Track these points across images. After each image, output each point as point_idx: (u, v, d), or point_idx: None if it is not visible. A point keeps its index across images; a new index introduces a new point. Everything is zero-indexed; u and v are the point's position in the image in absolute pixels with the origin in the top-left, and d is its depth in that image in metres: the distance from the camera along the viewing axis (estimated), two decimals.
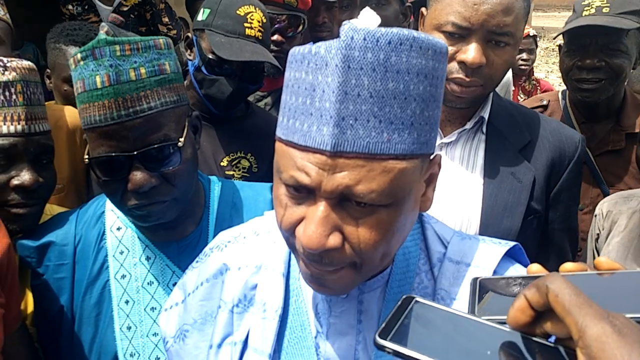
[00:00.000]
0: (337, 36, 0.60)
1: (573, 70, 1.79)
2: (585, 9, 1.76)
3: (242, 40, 1.54)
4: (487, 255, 0.81)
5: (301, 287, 0.82)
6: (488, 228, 1.27)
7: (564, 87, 1.99)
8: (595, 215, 1.60)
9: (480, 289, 0.61)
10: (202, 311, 0.88)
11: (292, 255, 0.83)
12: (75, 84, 1.00)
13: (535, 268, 0.62)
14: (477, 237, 0.87)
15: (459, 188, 1.31)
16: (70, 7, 3.22)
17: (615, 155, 1.86)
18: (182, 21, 5.29)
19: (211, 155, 1.69)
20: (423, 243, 0.84)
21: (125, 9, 3.30)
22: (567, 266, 0.60)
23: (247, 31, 1.56)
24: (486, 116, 1.33)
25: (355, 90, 0.59)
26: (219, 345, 0.83)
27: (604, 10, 1.71)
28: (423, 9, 1.32)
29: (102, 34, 0.96)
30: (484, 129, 1.33)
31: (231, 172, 1.71)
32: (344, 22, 0.60)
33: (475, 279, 0.63)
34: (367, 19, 0.63)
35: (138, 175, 1.00)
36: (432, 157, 0.71)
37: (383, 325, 0.52)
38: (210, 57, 1.55)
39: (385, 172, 0.61)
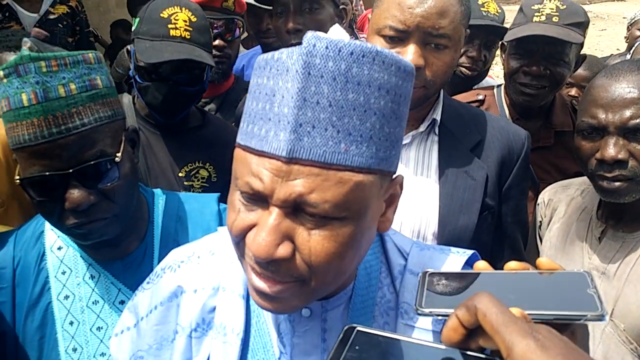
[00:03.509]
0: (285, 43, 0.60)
1: (518, 74, 1.84)
2: (536, 14, 1.79)
3: (165, 42, 1.52)
4: (448, 266, 0.81)
5: None
6: (446, 226, 1.30)
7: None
8: (538, 204, 1.67)
9: (429, 282, 0.64)
10: (158, 336, 0.85)
11: None
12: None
13: (482, 265, 0.65)
14: (435, 246, 0.88)
15: (416, 189, 1.33)
16: None
17: (545, 151, 1.93)
18: (121, 26, 5.16)
19: (169, 167, 1.66)
20: (383, 256, 0.84)
21: (53, 17, 3.16)
22: (511, 265, 0.63)
23: (172, 32, 1.53)
24: (438, 118, 1.36)
25: (315, 98, 0.58)
26: None
27: (554, 19, 1.76)
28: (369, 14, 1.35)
29: (25, 50, 0.93)
30: (437, 130, 1.37)
31: (189, 183, 1.68)
32: (307, 32, 0.60)
33: (424, 273, 0.66)
34: (337, 35, 0.63)
35: (75, 194, 0.97)
36: (394, 177, 0.70)
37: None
38: (140, 64, 1.53)
39: (341, 184, 0.60)
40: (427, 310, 0.58)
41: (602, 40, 12.43)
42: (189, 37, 1.55)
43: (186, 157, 1.69)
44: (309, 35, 0.59)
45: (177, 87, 1.56)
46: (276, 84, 0.60)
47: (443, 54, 1.23)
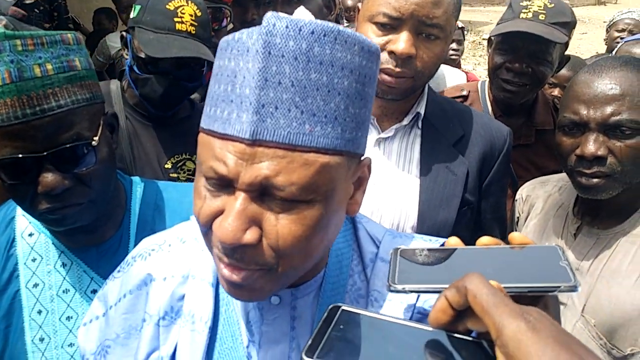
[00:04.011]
0: None
1: (501, 70, 1.84)
2: (523, 11, 1.80)
3: (171, 36, 1.48)
4: None
5: None
6: (425, 220, 1.30)
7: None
8: (516, 200, 1.68)
9: (401, 259, 0.63)
10: (126, 325, 0.83)
11: None
12: None
13: (454, 241, 0.65)
14: (408, 235, 0.87)
15: (397, 182, 1.33)
16: None
17: (525, 149, 1.95)
18: (104, 13, 5.06)
19: (155, 157, 1.63)
20: (355, 243, 0.83)
21: (29, 2, 3.09)
22: (483, 240, 0.63)
23: (178, 26, 1.49)
24: (422, 112, 1.36)
25: (276, 78, 0.57)
26: None
27: (540, 17, 1.76)
28: (360, 4, 1.34)
29: (0, 28, 0.90)
30: (420, 124, 1.36)
31: (175, 175, 1.64)
32: (267, 12, 0.59)
33: (396, 249, 0.65)
34: (301, 16, 0.62)
35: (49, 177, 0.94)
36: (362, 159, 0.69)
37: (310, 341, 0.51)
38: (141, 55, 1.49)
39: (306, 165, 0.58)
40: (400, 287, 0.57)
41: (583, 44, 12.63)
42: (194, 32, 1.51)
43: (174, 148, 1.66)
44: (269, 15, 0.58)
45: (177, 82, 1.53)
46: (237, 65, 0.59)
47: (434, 45, 1.22)
